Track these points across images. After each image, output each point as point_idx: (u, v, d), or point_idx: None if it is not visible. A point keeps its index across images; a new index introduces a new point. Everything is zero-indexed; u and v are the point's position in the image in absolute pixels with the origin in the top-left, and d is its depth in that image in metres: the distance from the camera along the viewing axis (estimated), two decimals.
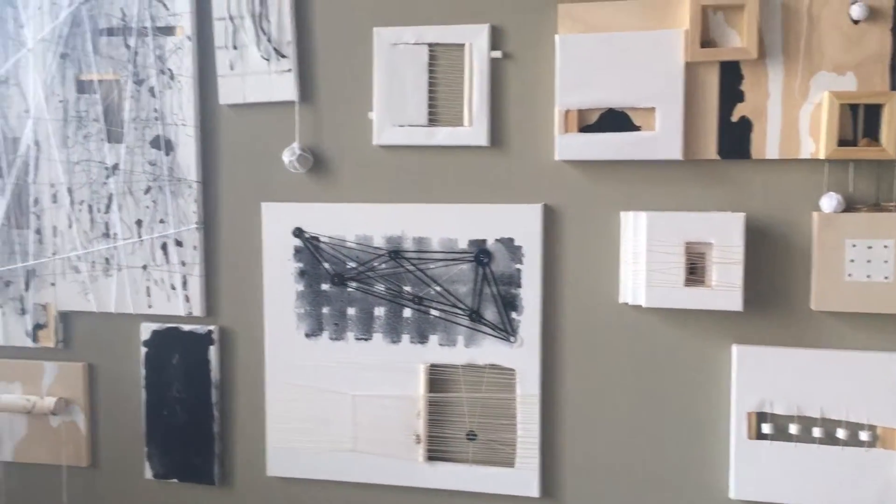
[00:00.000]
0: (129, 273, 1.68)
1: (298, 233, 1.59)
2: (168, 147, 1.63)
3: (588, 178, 1.47)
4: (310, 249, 1.59)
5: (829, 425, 1.39)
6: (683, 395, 1.47)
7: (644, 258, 1.40)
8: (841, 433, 1.38)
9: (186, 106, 1.61)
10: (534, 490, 1.53)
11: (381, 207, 1.55)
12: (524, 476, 1.53)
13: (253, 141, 1.61)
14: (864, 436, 1.37)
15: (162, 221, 1.65)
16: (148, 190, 1.65)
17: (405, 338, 1.57)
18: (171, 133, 1.63)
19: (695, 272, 1.40)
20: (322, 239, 1.58)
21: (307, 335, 1.61)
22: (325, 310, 1.59)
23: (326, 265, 1.59)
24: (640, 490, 1.51)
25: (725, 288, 1.38)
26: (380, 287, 1.57)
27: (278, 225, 1.60)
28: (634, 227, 1.43)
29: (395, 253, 1.55)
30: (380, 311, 1.57)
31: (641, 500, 1.51)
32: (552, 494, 1.55)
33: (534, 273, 1.50)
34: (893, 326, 1.37)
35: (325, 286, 1.59)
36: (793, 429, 1.40)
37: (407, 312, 1.56)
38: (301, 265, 1.60)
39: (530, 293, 1.50)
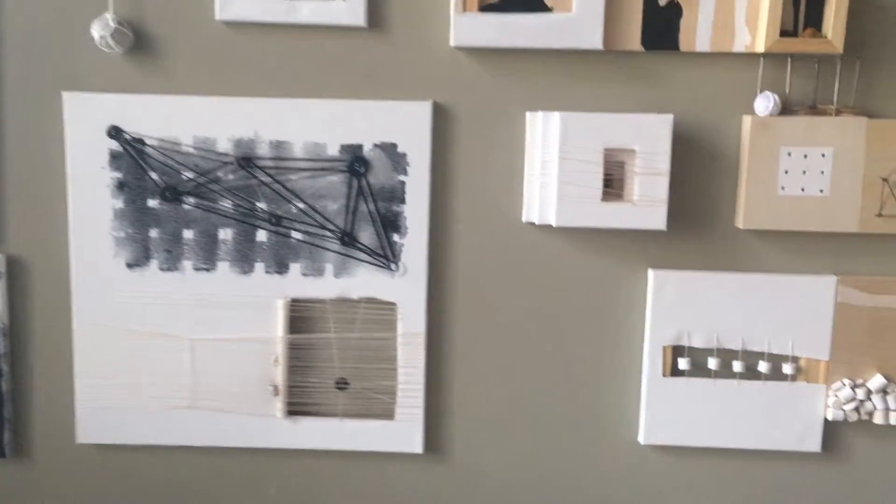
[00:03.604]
0: None
1: (115, 133, 1.23)
2: None
3: (488, 70, 1.22)
4: (131, 154, 1.23)
5: (751, 358, 1.25)
6: (593, 329, 1.28)
7: (556, 168, 1.18)
8: (763, 367, 1.24)
9: None
10: (417, 446, 1.30)
11: (226, 102, 1.22)
12: (406, 429, 1.29)
13: (49, 9, 1.22)
14: (787, 369, 1.24)
15: None
16: None
17: (259, 267, 1.26)
18: None
19: (610, 185, 1.20)
20: (148, 141, 1.23)
21: (129, 265, 1.26)
22: (153, 233, 1.25)
23: (154, 175, 1.24)
24: (538, 440, 1.31)
25: (649, 204, 1.18)
26: (226, 203, 1.24)
27: (87, 122, 1.23)
28: (544, 131, 1.20)
29: (245, 160, 1.23)
30: (226, 234, 1.25)
31: (540, 451, 1.32)
32: (438, 450, 1.32)
33: (421, 187, 1.24)
34: (825, 247, 1.23)
35: (152, 202, 1.25)
36: (712, 364, 1.25)
37: (261, 235, 1.25)
38: (119, 175, 1.24)
39: (416, 211, 1.24)
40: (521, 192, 1.24)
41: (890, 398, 1.23)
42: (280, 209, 1.25)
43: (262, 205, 1.25)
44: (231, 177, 1.24)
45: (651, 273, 1.25)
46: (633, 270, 1.26)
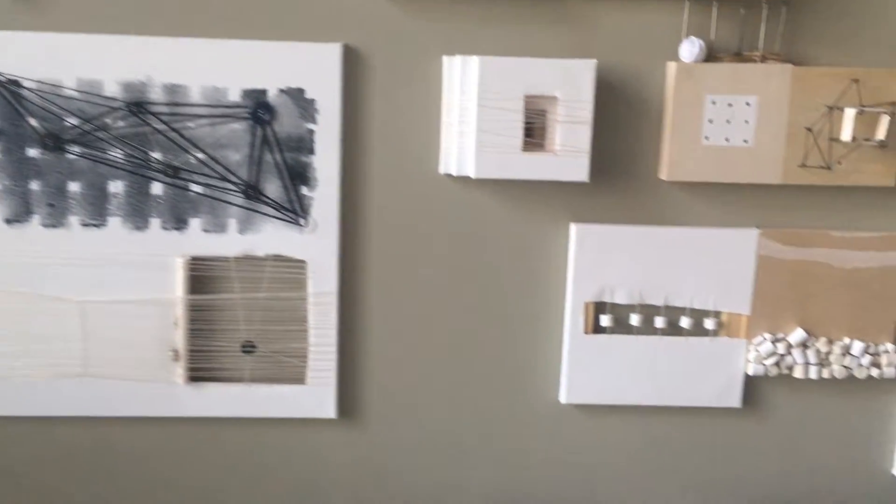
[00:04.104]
0: None
1: None
2: None
3: (403, 10, 1.13)
4: (6, 98, 1.11)
5: (673, 314, 1.22)
6: (513, 285, 1.23)
7: (474, 116, 1.11)
8: (685, 322, 1.22)
9: None
10: (330, 410, 1.23)
11: (114, 40, 1.11)
12: (318, 394, 1.22)
13: None
14: (709, 324, 1.22)
15: None
16: None
17: (154, 222, 1.16)
18: None
19: (531, 134, 1.14)
20: (25, 83, 1.11)
21: (8, 221, 1.15)
22: (34, 185, 1.14)
23: (34, 121, 1.12)
24: (457, 401, 1.26)
25: (571, 154, 1.13)
26: (116, 153, 1.14)
27: None
28: (462, 77, 1.13)
29: (137, 106, 1.13)
30: (117, 187, 1.15)
31: (459, 413, 1.27)
32: (353, 414, 1.25)
33: (331, 136, 1.15)
34: (749, 199, 1.20)
35: (32, 151, 1.13)
36: (634, 320, 1.22)
37: (156, 188, 1.15)
38: None
39: (326, 162, 1.16)
40: (437, 142, 1.17)
41: (810, 352, 1.22)
42: (177, 159, 1.15)
43: (156, 155, 1.14)
44: (121, 123, 1.13)
45: (573, 227, 1.20)
46: (554, 224, 1.21)
